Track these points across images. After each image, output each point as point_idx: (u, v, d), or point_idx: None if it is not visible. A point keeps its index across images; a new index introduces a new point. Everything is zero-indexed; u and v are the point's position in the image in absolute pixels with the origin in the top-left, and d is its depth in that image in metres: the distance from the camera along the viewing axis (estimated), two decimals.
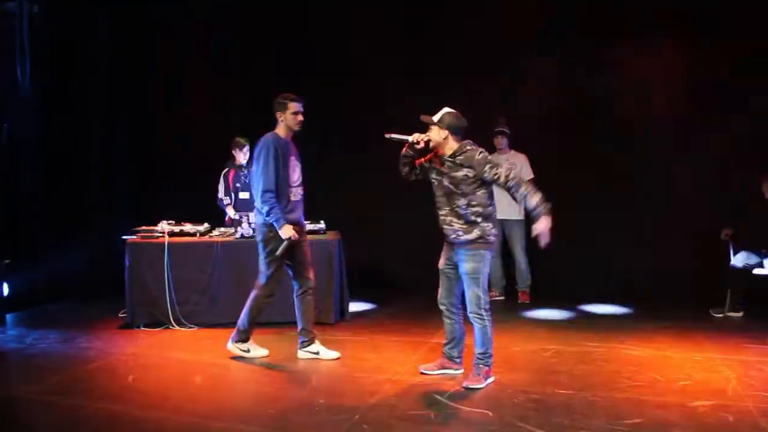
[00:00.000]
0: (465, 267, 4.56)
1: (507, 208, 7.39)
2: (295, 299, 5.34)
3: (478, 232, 4.52)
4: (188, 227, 6.52)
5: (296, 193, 5.20)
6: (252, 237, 6.34)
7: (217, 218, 6.97)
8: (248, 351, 5.25)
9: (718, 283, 6.78)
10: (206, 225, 6.63)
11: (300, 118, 5.13)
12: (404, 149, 4.70)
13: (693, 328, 6.14)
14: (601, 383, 4.61)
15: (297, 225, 5.18)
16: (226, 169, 7.24)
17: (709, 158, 7.13)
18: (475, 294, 4.54)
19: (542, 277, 7.59)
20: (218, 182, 7.18)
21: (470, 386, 4.51)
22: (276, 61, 8.17)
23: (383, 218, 7.81)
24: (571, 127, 7.58)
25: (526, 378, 4.75)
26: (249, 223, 6.36)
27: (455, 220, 4.56)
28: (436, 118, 4.58)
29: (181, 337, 5.94)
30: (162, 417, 4.09)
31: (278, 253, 5.09)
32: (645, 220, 7.43)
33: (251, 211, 6.76)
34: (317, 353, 5.25)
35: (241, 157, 7.17)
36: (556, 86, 7.59)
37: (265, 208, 5.04)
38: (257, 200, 5.12)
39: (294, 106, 5.11)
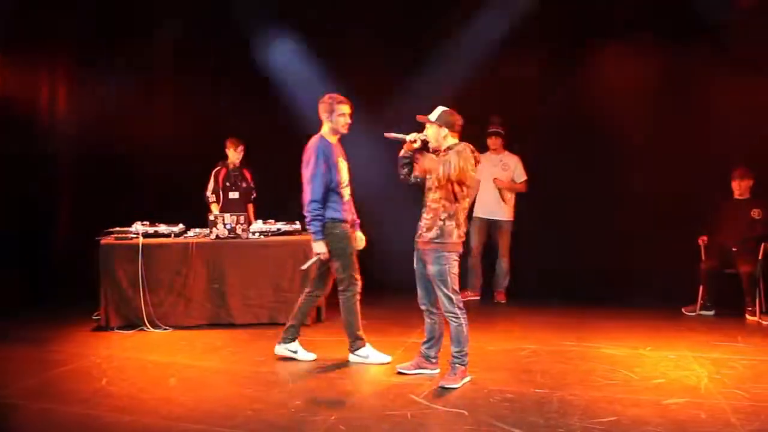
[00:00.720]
0: (431, 270, 4.60)
1: (495, 209, 7.44)
2: (301, 295, 5.31)
3: (438, 231, 4.55)
4: (163, 228, 6.46)
5: (346, 193, 5.18)
6: (227, 238, 6.32)
7: (192, 219, 6.90)
8: (367, 357, 5.14)
9: (691, 283, 6.86)
10: (181, 226, 6.57)
11: (348, 120, 5.09)
12: (402, 150, 4.76)
13: (667, 327, 6.21)
14: (576, 382, 4.65)
15: (349, 223, 5.18)
16: (217, 168, 7.24)
17: (683, 160, 7.21)
18: (445, 295, 4.57)
19: (519, 276, 7.64)
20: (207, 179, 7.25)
21: (446, 386, 4.52)
22: (249, 61, 8.15)
23: (361, 218, 7.78)
24: (551, 129, 7.63)
25: (502, 377, 4.77)
26: (224, 225, 6.33)
27: (424, 216, 4.63)
28: (432, 116, 4.64)
29: (156, 339, 5.88)
30: (136, 420, 4.04)
31: (303, 267, 5.19)
32: (619, 220, 7.48)
33: (237, 211, 6.74)
34: (295, 352, 5.23)
35: (235, 156, 7.16)
36: (533, 89, 7.64)
37: (308, 218, 5.00)
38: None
39: (342, 108, 5.07)
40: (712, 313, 6.71)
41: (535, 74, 7.62)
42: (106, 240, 6.25)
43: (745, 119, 7.03)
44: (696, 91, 7.20)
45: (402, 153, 4.78)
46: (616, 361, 5.15)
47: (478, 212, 7.41)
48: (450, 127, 4.61)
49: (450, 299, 4.56)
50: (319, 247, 4.97)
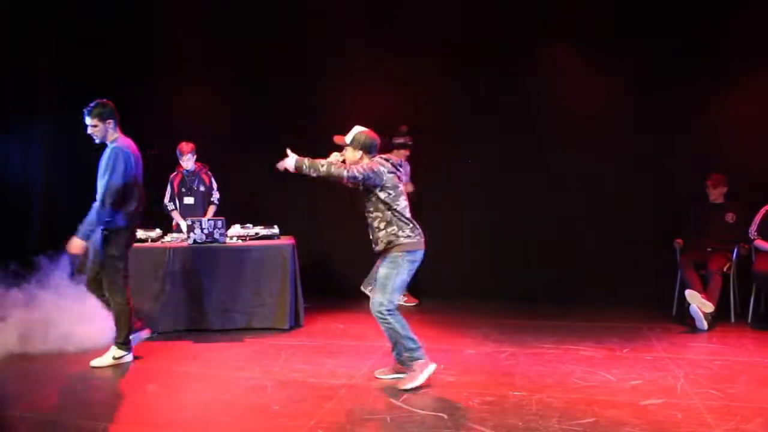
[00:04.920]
0: (380, 271, 4.66)
1: None
2: None
3: (384, 242, 4.61)
4: (139, 233, 6.37)
5: None
6: (204, 243, 6.28)
7: (165, 225, 6.85)
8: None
9: (666, 284, 6.92)
10: (158, 231, 6.52)
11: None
12: None
13: (644, 329, 6.26)
14: (554, 384, 4.67)
15: None
16: (173, 173, 7.17)
17: (663, 162, 7.29)
18: (377, 299, 4.61)
19: (497, 279, 7.66)
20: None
21: (404, 387, 4.55)
22: (232, 63, 8.13)
23: (337, 222, 7.78)
24: (528, 130, 7.67)
25: (482, 380, 4.78)
26: (201, 229, 6.28)
27: (370, 231, 4.70)
28: (348, 138, 4.64)
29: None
30: (112, 427, 3.99)
31: None
32: (598, 223, 7.53)
33: (196, 215, 6.71)
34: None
35: (186, 161, 7.08)
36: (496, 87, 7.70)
37: None
38: None
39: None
40: (712, 308, 6.23)
41: (498, 71, 7.68)
42: None
43: (721, 123, 7.14)
44: (665, 92, 7.29)
45: None
46: (594, 362, 5.18)
47: None
48: (365, 150, 4.62)
49: (380, 304, 4.60)
50: None
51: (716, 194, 6.85)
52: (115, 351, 5.21)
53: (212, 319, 6.24)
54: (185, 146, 7.07)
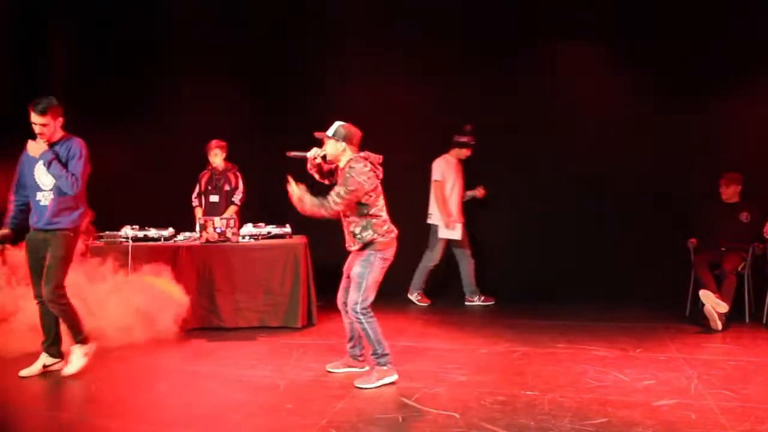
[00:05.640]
0: (354, 269, 4.69)
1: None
2: None
3: (359, 243, 4.65)
4: (152, 232, 6.43)
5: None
6: (217, 242, 6.29)
7: (177, 223, 6.89)
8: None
9: (680, 283, 6.88)
10: (170, 230, 6.54)
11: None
12: (308, 166, 4.82)
13: (657, 329, 6.23)
14: (567, 384, 4.65)
15: None
16: (203, 171, 7.24)
17: (675, 160, 7.25)
18: (353, 298, 4.64)
19: (509, 279, 7.64)
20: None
21: (359, 385, 4.58)
22: (242, 63, 8.15)
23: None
24: (532, 131, 7.63)
25: (494, 380, 4.77)
26: (214, 228, 6.30)
27: (346, 232, 4.73)
28: (330, 132, 4.66)
29: (146, 344, 5.84)
30: (125, 425, 4.02)
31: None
32: (609, 222, 7.50)
33: (218, 214, 6.73)
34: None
35: (214, 159, 7.11)
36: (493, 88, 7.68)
37: None
38: None
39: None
40: (726, 308, 6.21)
41: (498, 71, 7.66)
42: (95, 244, 6.21)
43: (735, 121, 7.09)
44: (677, 91, 7.23)
45: (308, 168, 4.84)
46: (606, 362, 5.16)
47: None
48: (348, 141, 4.63)
49: (355, 303, 4.63)
50: None
51: (730, 193, 6.80)
52: (82, 349, 4.96)
53: (224, 318, 6.26)
54: (212, 143, 7.13)
